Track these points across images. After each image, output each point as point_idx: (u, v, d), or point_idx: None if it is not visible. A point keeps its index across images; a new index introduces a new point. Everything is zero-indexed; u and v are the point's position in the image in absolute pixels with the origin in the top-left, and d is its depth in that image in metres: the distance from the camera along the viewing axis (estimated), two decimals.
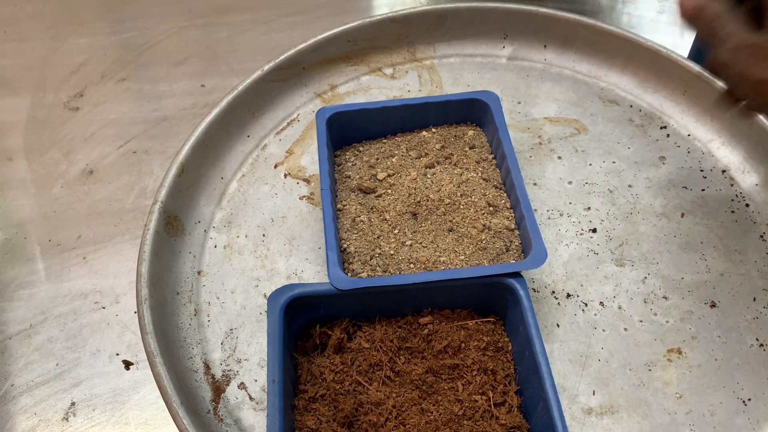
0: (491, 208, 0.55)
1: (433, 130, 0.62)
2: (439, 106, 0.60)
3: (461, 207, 0.55)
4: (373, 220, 0.55)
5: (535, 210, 0.60)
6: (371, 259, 0.52)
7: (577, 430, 0.49)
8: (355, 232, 0.54)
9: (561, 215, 0.60)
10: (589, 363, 0.52)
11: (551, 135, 0.66)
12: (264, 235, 0.60)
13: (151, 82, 0.77)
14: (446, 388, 0.47)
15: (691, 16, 0.48)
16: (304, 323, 0.49)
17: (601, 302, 0.55)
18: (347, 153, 0.61)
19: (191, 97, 0.75)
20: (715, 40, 0.46)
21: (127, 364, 0.56)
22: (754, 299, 0.55)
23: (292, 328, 0.49)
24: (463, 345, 0.48)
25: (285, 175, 0.64)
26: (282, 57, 0.68)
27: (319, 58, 0.70)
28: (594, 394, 0.50)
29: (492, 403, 0.46)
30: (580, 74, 0.70)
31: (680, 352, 0.52)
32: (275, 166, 0.65)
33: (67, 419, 0.54)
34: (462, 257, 0.52)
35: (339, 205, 0.56)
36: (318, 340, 0.49)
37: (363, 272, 0.51)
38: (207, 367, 0.53)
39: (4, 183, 0.68)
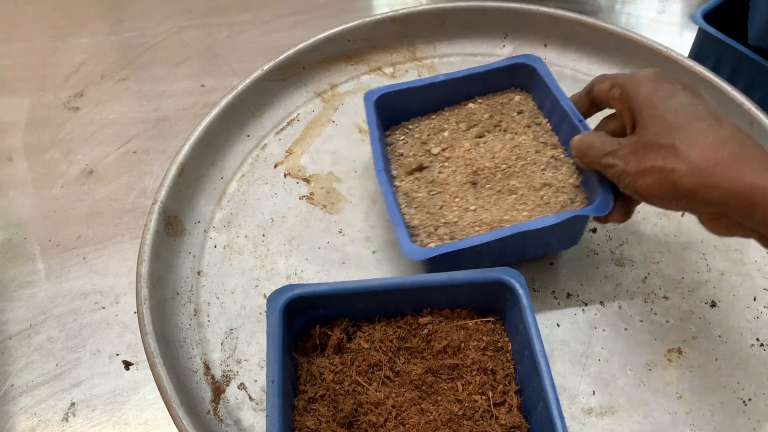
0: (551, 167, 0.55)
1: (479, 100, 0.61)
2: (483, 76, 0.60)
3: (517, 170, 0.55)
4: (433, 193, 0.55)
5: None
6: (436, 229, 0.52)
7: (577, 430, 0.49)
8: (415, 206, 0.54)
9: None
10: (589, 363, 0.52)
11: None
12: (264, 235, 0.60)
13: (151, 82, 0.77)
14: (446, 388, 0.47)
15: (580, 155, 0.50)
16: (303, 324, 0.49)
17: (601, 302, 0.55)
18: (396, 132, 0.61)
19: (191, 97, 0.75)
20: (613, 168, 0.46)
21: (127, 365, 0.56)
22: (755, 299, 0.55)
23: (291, 329, 0.48)
24: (462, 345, 0.48)
25: (285, 175, 0.64)
26: (282, 56, 0.68)
27: (319, 57, 0.70)
28: (594, 394, 0.50)
29: (491, 402, 0.46)
30: (581, 73, 0.70)
31: (680, 352, 0.52)
32: (275, 166, 0.65)
33: (67, 419, 0.54)
34: (525, 213, 0.52)
35: (396, 183, 0.56)
36: (317, 341, 0.49)
37: (431, 243, 0.51)
38: (207, 367, 0.53)
39: (4, 183, 0.69)
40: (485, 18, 0.72)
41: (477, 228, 0.52)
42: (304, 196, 0.62)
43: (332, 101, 0.70)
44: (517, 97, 0.61)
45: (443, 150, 0.58)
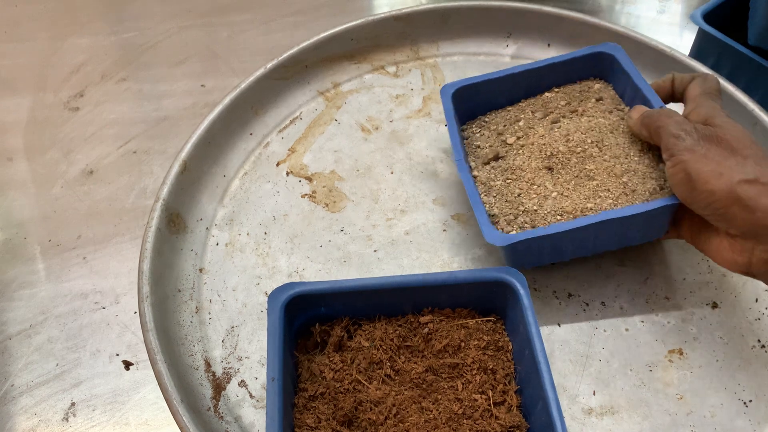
0: (636, 151, 0.53)
1: (556, 90, 0.61)
2: (561, 66, 0.60)
3: (594, 154, 0.54)
4: (509, 181, 0.54)
5: None
6: (516, 218, 0.52)
7: (577, 430, 0.49)
8: (494, 195, 0.54)
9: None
10: (589, 363, 0.52)
11: None
12: (266, 233, 0.60)
13: (151, 82, 0.77)
14: (446, 387, 0.47)
15: (651, 120, 0.50)
16: (304, 322, 0.49)
17: (602, 302, 0.55)
18: (473, 126, 0.60)
19: (191, 97, 0.75)
20: (681, 140, 0.47)
21: (127, 365, 0.56)
22: (756, 300, 0.54)
23: (292, 327, 0.48)
24: (463, 344, 0.48)
25: (287, 173, 0.64)
26: (285, 55, 0.68)
27: (322, 56, 0.70)
28: (594, 394, 0.50)
29: (492, 402, 0.46)
30: None
31: (681, 353, 0.52)
32: (277, 164, 0.65)
33: (67, 419, 0.54)
34: (609, 201, 0.51)
35: (474, 173, 0.56)
36: (318, 339, 0.49)
37: (512, 230, 0.51)
38: (208, 364, 0.53)
39: (4, 183, 0.68)
40: (488, 17, 0.72)
41: (559, 216, 0.51)
42: (306, 195, 0.62)
43: (335, 100, 0.70)
44: (597, 86, 0.60)
45: (518, 139, 0.57)
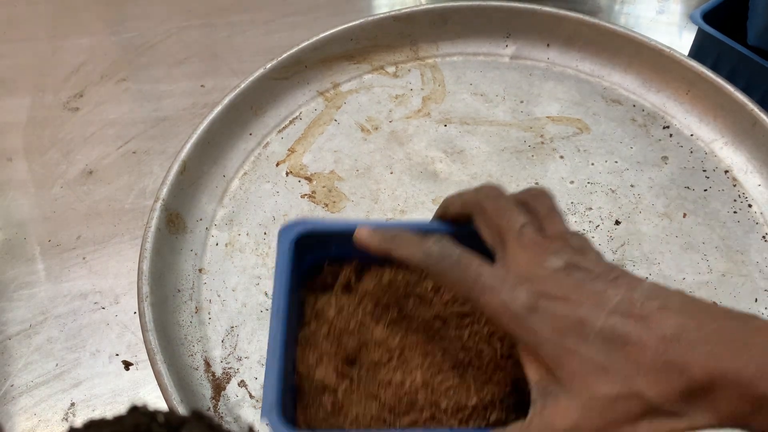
0: None
1: None
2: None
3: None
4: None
5: None
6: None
7: None
8: None
9: (563, 215, 0.60)
10: None
11: (553, 134, 0.66)
12: (265, 233, 0.60)
13: (151, 82, 0.77)
14: (453, 335, 0.45)
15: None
16: (313, 261, 0.47)
17: None
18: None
19: (191, 97, 0.75)
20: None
21: (127, 365, 0.56)
22: (756, 300, 0.54)
23: (301, 265, 0.46)
24: None
25: (287, 174, 0.64)
26: (284, 55, 0.68)
27: (321, 56, 0.70)
28: None
29: (499, 354, 0.45)
30: (583, 73, 0.70)
31: None
32: (277, 164, 0.65)
33: (66, 419, 0.54)
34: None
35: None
36: (326, 279, 0.48)
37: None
38: (207, 364, 0.53)
39: (4, 183, 0.68)
40: (488, 17, 0.72)
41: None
42: (305, 195, 0.62)
43: (335, 100, 0.70)
44: None
45: None
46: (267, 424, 0.39)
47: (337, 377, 0.44)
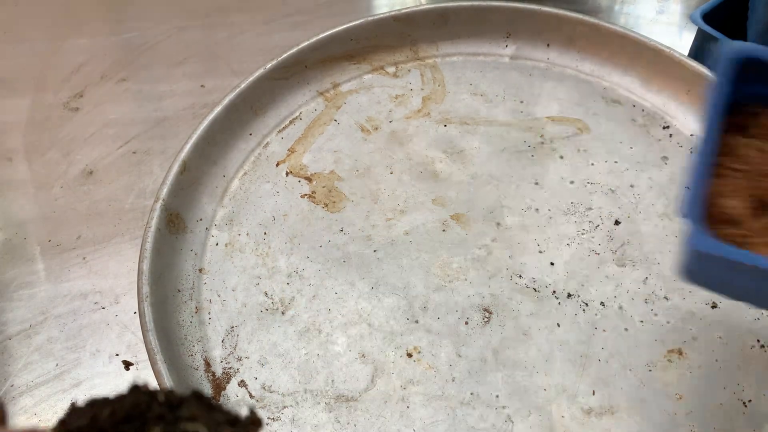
0: None
1: None
2: None
3: None
4: None
5: (536, 210, 0.60)
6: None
7: (576, 429, 0.49)
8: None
9: (562, 215, 0.60)
10: (589, 363, 0.52)
11: (553, 134, 0.66)
12: (265, 233, 0.60)
13: (151, 82, 0.77)
14: None
15: None
16: (744, 96, 0.41)
17: (601, 302, 0.55)
18: None
19: (191, 98, 0.75)
20: None
21: (127, 365, 0.56)
22: None
23: (730, 97, 0.40)
24: None
25: (287, 174, 0.64)
26: (285, 55, 0.68)
27: (321, 56, 0.70)
28: (594, 394, 0.50)
29: None
30: (583, 74, 0.70)
31: (681, 353, 0.52)
32: (277, 164, 0.65)
33: None
34: None
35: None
36: (749, 121, 0.42)
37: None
38: (207, 364, 0.53)
39: (4, 183, 0.68)
40: (488, 17, 0.72)
41: None
42: (305, 195, 0.62)
43: (335, 100, 0.70)
44: None
45: None
46: (686, 221, 0.35)
47: (749, 215, 0.39)
